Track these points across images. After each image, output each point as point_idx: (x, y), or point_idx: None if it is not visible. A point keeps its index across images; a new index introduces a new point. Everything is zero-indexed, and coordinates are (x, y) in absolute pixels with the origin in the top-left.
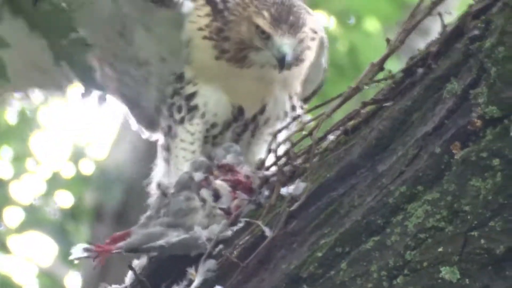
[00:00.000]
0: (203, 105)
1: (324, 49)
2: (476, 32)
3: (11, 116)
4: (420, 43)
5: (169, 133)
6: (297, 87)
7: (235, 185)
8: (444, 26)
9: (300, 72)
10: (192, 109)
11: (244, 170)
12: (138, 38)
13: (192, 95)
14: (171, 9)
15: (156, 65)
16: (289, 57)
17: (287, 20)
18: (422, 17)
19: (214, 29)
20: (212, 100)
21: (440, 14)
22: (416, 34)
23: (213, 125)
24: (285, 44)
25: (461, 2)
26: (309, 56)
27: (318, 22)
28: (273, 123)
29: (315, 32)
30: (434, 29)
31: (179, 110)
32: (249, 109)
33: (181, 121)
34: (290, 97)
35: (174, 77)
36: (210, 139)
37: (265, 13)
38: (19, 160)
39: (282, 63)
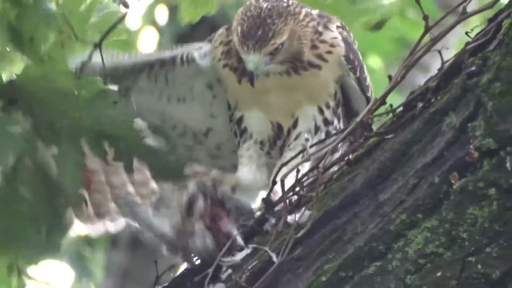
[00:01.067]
0: (249, 127)
1: (345, 68)
2: (473, 68)
3: None
4: (420, 79)
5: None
6: (327, 100)
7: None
8: (443, 62)
9: (323, 83)
10: (243, 132)
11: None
12: None
13: (240, 120)
14: None
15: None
16: (255, 71)
17: (255, 36)
18: (421, 53)
19: (225, 53)
20: (254, 120)
21: (439, 51)
22: (416, 70)
23: (262, 143)
24: (250, 60)
25: (459, 40)
26: (329, 68)
27: (338, 39)
28: (307, 138)
29: (332, 46)
30: (433, 65)
31: (235, 135)
32: (285, 123)
33: (238, 144)
34: (321, 110)
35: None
36: (265, 156)
37: (238, 29)
38: None
39: (251, 79)
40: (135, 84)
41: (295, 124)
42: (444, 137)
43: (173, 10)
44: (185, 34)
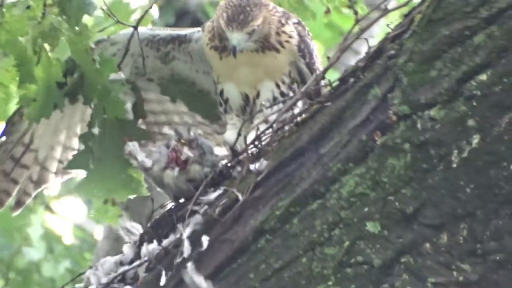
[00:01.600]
0: (228, 97)
1: (297, 55)
2: (392, 52)
3: None
4: (351, 60)
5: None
6: (283, 78)
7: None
8: (369, 47)
9: (279, 64)
10: (225, 102)
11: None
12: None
13: (221, 92)
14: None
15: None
16: (238, 46)
17: (238, 19)
18: (352, 40)
19: (211, 36)
20: (230, 92)
21: (366, 39)
22: (349, 53)
23: (237, 111)
24: (234, 37)
25: (382, 30)
26: (285, 53)
27: (294, 32)
28: (266, 106)
29: (290, 37)
30: (362, 49)
31: (220, 104)
32: (250, 94)
33: (224, 112)
34: (278, 85)
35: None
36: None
37: (224, 15)
38: None
39: (233, 51)
40: (174, 53)
41: (257, 95)
42: (370, 105)
43: (163, 7)
44: (171, 26)
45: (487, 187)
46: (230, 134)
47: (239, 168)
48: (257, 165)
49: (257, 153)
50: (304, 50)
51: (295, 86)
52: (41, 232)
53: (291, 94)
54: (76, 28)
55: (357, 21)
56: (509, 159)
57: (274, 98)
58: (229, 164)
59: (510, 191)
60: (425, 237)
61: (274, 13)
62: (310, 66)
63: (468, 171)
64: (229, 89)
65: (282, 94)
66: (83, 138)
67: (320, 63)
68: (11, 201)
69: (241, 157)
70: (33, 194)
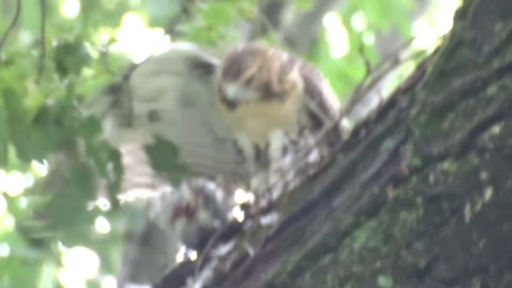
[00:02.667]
0: (242, 147)
1: (305, 99)
2: (404, 103)
3: None
4: (363, 111)
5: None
6: (292, 125)
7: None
8: (381, 99)
9: (286, 113)
10: (240, 152)
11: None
12: None
13: (235, 142)
14: None
15: None
16: (235, 98)
17: (232, 70)
18: (364, 91)
19: (218, 88)
20: (242, 142)
21: (378, 91)
22: (360, 104)
23: (252, 161)
24: (229, 89)
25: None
26: (290, 101)
27: (300, 77)
28: (277, 156)
29: (294, 84)
30: (374, 100)
31: (238, 153)
32: (261, 144)
33: (242, 161)
34: (287, 134)
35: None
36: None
37: (221, 68)
38: None
39: (229, 103)
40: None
41: (267, 145)
42: (382, 157)
43: None
44: None
45: (500, 241)
46: (253, 182)
47: (250, 222)
48: (268, 218)
49: (268, 207)
50: (312, 91)
51: (306, 131)
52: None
53: (302, 141)
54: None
55: (368, 72)
56: None
57: (284, 147)
58: (239, 219)
59: None
60: None
61: (274, 59)
62: (323, 105)
63: (480, 225)
64: (241, 139)
65: (293, 142)
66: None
67: (334, 100)
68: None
69: (252, 211)
70: None
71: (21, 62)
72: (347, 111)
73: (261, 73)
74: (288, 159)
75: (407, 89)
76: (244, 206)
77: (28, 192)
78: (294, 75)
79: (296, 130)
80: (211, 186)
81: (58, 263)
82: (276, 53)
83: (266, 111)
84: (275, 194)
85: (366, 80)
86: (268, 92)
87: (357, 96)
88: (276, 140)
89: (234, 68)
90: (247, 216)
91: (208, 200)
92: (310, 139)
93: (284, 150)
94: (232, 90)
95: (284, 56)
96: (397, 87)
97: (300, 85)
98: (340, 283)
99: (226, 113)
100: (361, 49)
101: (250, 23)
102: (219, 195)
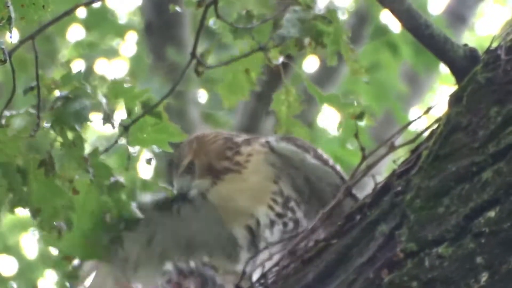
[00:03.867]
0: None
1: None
2: (399, 188)
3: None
4: (359, 195)
5: None
6: (273, 197)
7: None
8: (376, 184)
9: (252, 183)
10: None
11: None
12: None
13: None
14: None
15: None
16: (180, 190)
17: (175, 164)
18: (359, 177)
19: None
20: (236, 232)
21: (373, 176)
22: (356, 188)
23: (248, 247)
24: (176, 184)
25: (388, 167)
26: (252, 172)
27: (259, 150)
28: (269, 232)
29: (250, 155)
30: (369, 185)
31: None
32: (252, 225)
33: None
34: (271, 208)
35: None
36: None
37: None
38: (62, 280)
39: (181, 200)
40: None
41: (258, 223)
42: (376, 242)
43: None
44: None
45: None
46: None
47: None
48: None
49: None
50: (303, 147)
51: (292, 204)
52: None
53: (289, 213)
54: (70, 138)
55: (364, 158)
56: None
57: (272, 222)
58: None
59: None
60: None
61: (214, 141)
62: (320, 156)
63: None
64: (234, 229)
65: (279, 215)
66: None
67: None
68: None
69: None
70: None
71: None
72: (344, 196)
73: (198, 158)
74: (276, 235)
75: (402, 173)
76: None
77: None
78: (254, 148)
79: (280, 202)
80: (210, 270)
81: None
82: (219, 135)
83: (229, 188)
84: (270, 279)
85: (362, 166)
86: (214, 172)
87: (352, 181)
88: (263, 216)
89: (176, 162)
90: None
91: (206, 282)
92: (298, 212)
93: (271, 225)
94: (177, 184)
95: (239, 136)
96: (392, 171)
97: (262, 156)
98: None
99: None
100: (356, 134)
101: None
102: (219, 280)
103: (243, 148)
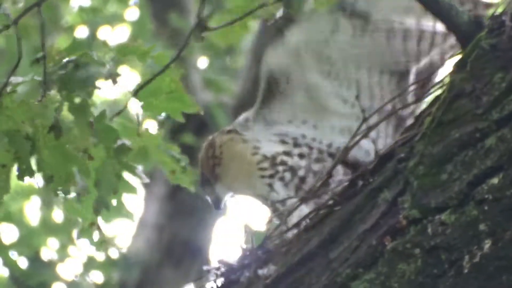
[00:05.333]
0: None
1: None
2: (403, 155)
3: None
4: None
5: None
6: (258, 169)
7: None
8: (378, 150)
9: (242, 167)
10: None
11: None
12: None
13: None
14: None
15: None
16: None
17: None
18: (359, 138)
19: None
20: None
21: (373, 140)
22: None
23: None
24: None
25: None
26: (231, 159)
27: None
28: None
29: (221, 146)
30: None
31: None
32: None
33: None
34: (263, 176)
35: None
36: None
37: None
38: (63, 248)
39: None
40: None
41: (262, 196)
42: (379, 209)
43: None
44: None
45: None
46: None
47: (247, 273)
48: (265, 270)
49: (265, 258)
50: None
51: (280, 158)
52: None
53: (280, 168)
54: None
55: (364, 119)
56: None
57: (270, 185)
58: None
59: None
60: None
61: (205, 150)
62: None
63: (479, 277)
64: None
65: (271, 176)
66: None
67: None
68: None
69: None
70: None
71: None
72: (342, 157)
73: (203, 168)
74: (281, 192)
75: (405, 141)
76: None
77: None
78: (220, 138)
79: (267, 166)
80: None
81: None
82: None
83: (226, 181)
84: (272, 245)
85: (361, 127)
86: (212, 174)
87: (351, 144)
88: (261, 188)
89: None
90: (244, 266)
91: None
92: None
93: (271, 187)
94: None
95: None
96: (395, 138)
97: (229, 141)
98: None
99: None
100: (357, 96)
101: None
102: None
103: (217, 140)
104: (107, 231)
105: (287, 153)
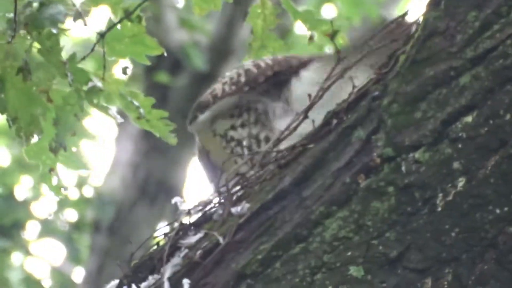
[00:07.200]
0: None
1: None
2: (377, 93)
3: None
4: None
5: None
6: (230, 152)
7: None
8: (353, 88)
9: (218, 154)
10: None
11: None
12: None
13: None
14: None
15: None
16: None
17: None
18: (335, 79)
19: None
20: None
21: (351, 77)
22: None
23: None
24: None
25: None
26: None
27: None
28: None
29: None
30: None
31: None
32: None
33: None
34: (236, 161)
35: None
36: None
37: None
38: (37, 186)
39: None
40: None
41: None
42: (353, 147)
43: None
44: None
45: (473, 230)
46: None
47: (220, 211)
48: (239, 208)
49: (239, 196)
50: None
51: (245, 142)
52: (21, 276)
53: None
54: (47, 43)
55: (338, 60)
56: (495, 202)
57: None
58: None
59: (496, 235)
60: (409, 281)
61: None
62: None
63: (453, 215)
64: None
65: (240, 155)
66: None
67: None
68: None
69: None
70: None
71: None
72: (317, 98)
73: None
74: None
75: (379, 78)
76: (217, 195)
77: None
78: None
79: (237, 148)
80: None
81: (26, 252)
82: None
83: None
84: (246, 183)
85: (336, 68)
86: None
87: (328, 83)
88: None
89: None
90: (218, 204)
91: None
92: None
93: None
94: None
95: None
96: (368, 76)
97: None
98: (311, 273)
99: None
100: (332, 35)
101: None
102: None
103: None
104: (66, 177)
105: (233, 127)
